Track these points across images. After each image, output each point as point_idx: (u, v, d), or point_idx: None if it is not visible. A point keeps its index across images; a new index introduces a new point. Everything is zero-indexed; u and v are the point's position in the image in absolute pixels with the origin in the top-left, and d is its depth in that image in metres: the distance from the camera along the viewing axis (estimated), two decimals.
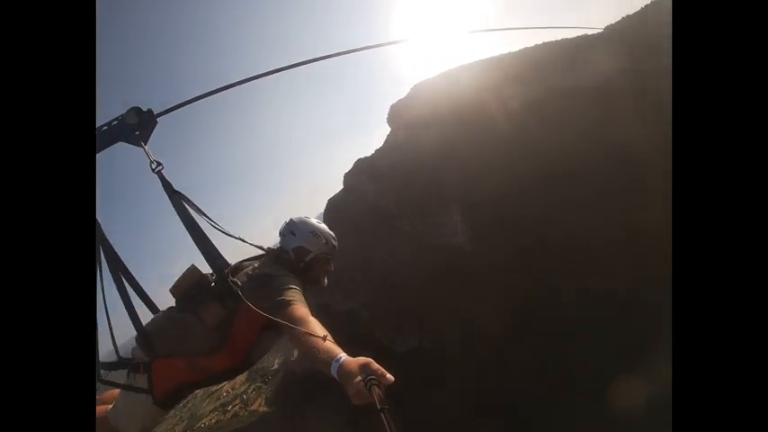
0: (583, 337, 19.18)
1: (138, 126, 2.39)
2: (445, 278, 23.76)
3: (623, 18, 25.01)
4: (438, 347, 23.68)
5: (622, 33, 23.05)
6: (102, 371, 2.32)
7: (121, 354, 2.39)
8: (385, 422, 1.32)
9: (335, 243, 2.80)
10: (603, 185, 20.52)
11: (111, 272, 2.31)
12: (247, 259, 2.76)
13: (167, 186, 2.40)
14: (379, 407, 1.38)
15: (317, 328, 1.93)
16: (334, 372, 1.64)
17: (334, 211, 36.48)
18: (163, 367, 2.24)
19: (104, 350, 2.42)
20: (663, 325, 14.39)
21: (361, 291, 29.98)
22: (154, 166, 2.35)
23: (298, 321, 1.99)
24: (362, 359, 1.61)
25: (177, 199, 2.37)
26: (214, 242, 2.48)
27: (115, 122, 2.41)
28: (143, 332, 2.31)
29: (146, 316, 2.49)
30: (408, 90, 32.90)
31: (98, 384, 2.31)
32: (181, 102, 2.47)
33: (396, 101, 33.62)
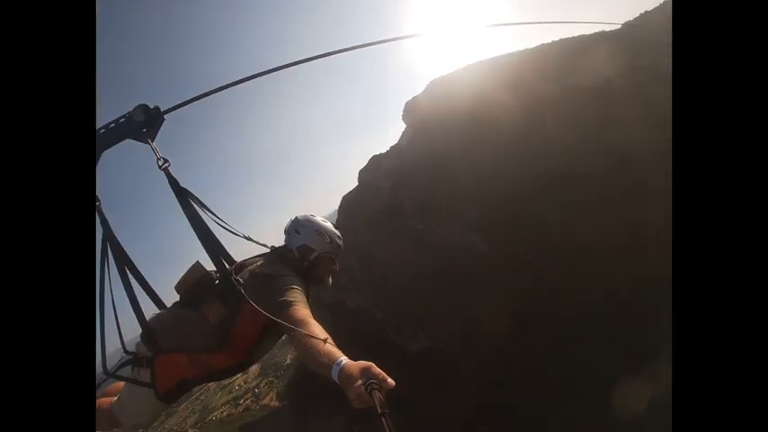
0: (584, 338, 19.15)
1: (146, 123, 2.39)
2: (459, 278, 23.67)
3: (642, 14, 24.58)
4: (451, 347, 23.61)
5: (641, 29, 22.64)
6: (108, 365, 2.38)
7: (128, 348, 2.41)
8: (386, 427, 1.30)
9: (340, 242, 2.76)
10: (611, 186, 20.36)
11: (117, 268, 2.33)
12: (252, 257, 2.74)
13: (174, 183, 2.41)
14: (379, 411, 1.36)
15: (317, 330, 1.92)
16: (334, 375, 1.63)
17: (349, 207, 36.56)
18: (165, 363, 2.29)
19: (113, 345, 2.50)
20: (663, 325, 14.66)
21: (373, 289, 30.00)
22: (161, 163, 2.36)
23: (299, 323, 1.98)
24: (363, 363, 1.59)
25: (183, 196, 2.40)
26: (221, 240, 2.50)
27: (123, 120, 2.42)
28: (147, 328, 2.35)
29: (153, 312, 2.54)
30: (424, 86, 32.83)
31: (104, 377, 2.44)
32: (189, 98, 2.49)
33: (411, 97, 33.58)
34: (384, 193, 31.44)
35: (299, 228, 2.68)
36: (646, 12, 24.85)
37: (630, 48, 22.12)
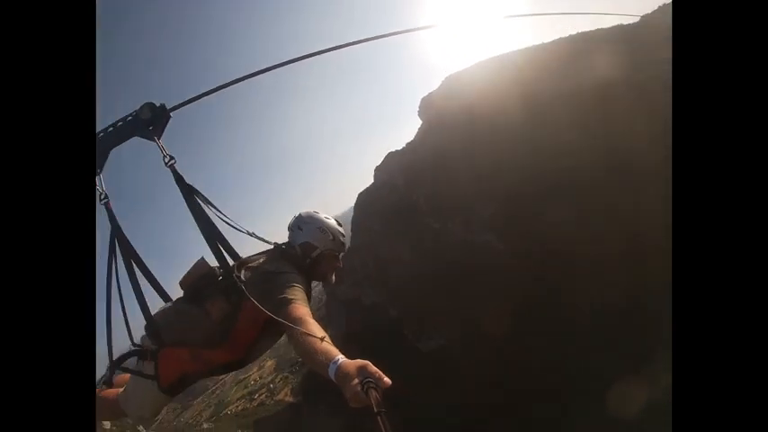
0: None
1: (152, 121, 2.45)
2: (474, 276, 23.56)
3: (660, 6, 23.98)
4: (464, 347, 23.55)
5: (660, 23, 22.06)
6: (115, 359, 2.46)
7: (136, 341, 2.48)
8: (381, 426, 1.30)
9: (343, 240, 2.76)
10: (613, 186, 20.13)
11: (124, 263, 2.38)
12: (255, 254, 2.75)
13: (180, 180, 2.44)
14: (376, 410, 1.37)
15: (315, 328, 1.94)
16: (331, 374, 1.63)
17: (364, 205, 36.71)
18: (168, 356, 2.32)
19: (122, 337, 2.53)
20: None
21: (389, 286, 30.07)
22: (167, 160, 2.40)
23: (297, 321, 2.00)
24: (360, 361, 1.59)
25: (189, 193, 2.42)
26: (230, 237, 2.52)
27: (130, 118, 2.48)
28: (151, 321, 2.38)
29: (160, 305, 2.58)
30: (440, 82, 32.65)
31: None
32: (194, 96, 2.53)
33: (427, 93, 33.42)
34: (399, 190, 31.44)
35: (301, 224, 2.68)
36: (664, 4, 24.22)
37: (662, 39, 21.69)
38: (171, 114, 2.48)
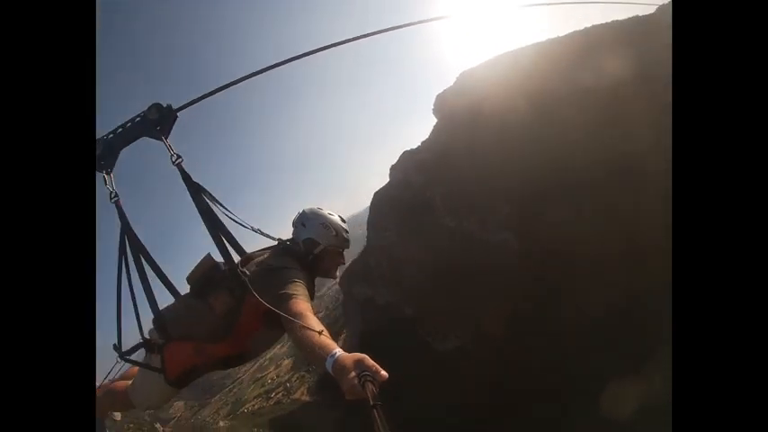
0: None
1: (159, 121, 2.54)
2: (489, 275, 23.42)
3: None
4: (480, 345, 23.45)
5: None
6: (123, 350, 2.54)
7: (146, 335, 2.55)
8: (377, 418, 1.32)
9: (347, 236, 2.78)
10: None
11: (134, 259, 2.48)
12: (260, 250, 2.82)
13: (186, 178, 2.52)
14: (371, 403, 1.39)
15: (314, 323, 1.99)
16: (328, 366, 1.66)
17: (380, 204, 36.77)
18: (174, 350, 2.39)
19: (132, 331, 2.59)
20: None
21: (404, 285, 30.09)
22: (174, 159, 2.49)
23: (297, 315, 2.03)
24: (357, 355, 1.63)
25: (195, 190, 2.52)
26: (239, 235, 2.62)
27: (138, 119, 2.58)
28: (159, 315, 2.47)
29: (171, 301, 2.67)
30: (454, 79, 32.50)
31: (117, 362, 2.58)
32: (200, 95, 2.60)
33: (442, 90, 33.30)
34: (415, 188, 31.38)
35: (305, 221, 2.71)
36: None
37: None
38: (177, 114, 2.56)
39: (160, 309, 2.47)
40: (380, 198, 37.25)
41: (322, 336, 1.85)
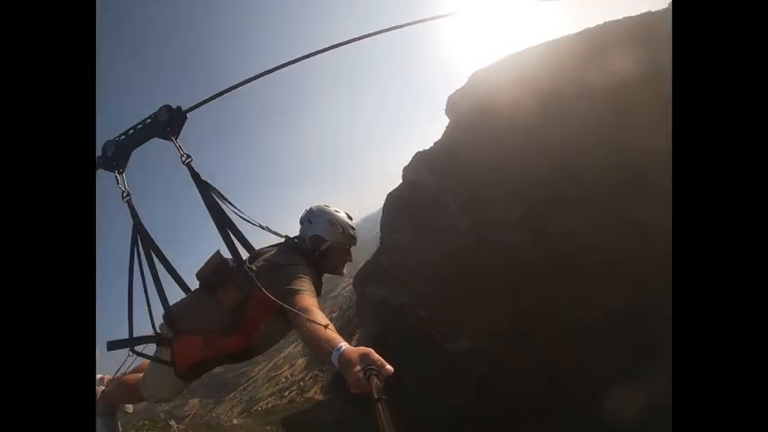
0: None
1: (169, 122, 2.57)
2: (502, 276, 23.28)
3: None
4: (496, 346, 23.33)
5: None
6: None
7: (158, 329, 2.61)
8: (381, 412, 1.31)
9: (353, 233, 2.80)
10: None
11: (145, 256, 2.52)
12: (267, 246, 2.83)
13: (196, 177, 2.55)
14: (376, 397, 1.39)
15: (320, 317, 2.01)
16: (334, 360, 1.68)
17: (393, 206, 36.66)
18: (183, 343, 2.45)
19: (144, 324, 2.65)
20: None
21: (417, 287, 29.96)
22: (184, 159, 2.51)
23: (303, 310, 2.06)
24: (363, 349, 1.63)
25: (205, 189, 2.53)
26: (248, 233, 2.64)
27: (149, 120, 2.61)
28: (168, 310, 2.52)
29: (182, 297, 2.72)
30: (466, 79, 32.23)
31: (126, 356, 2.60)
32: (209, 96, 2.62)
33: (453, 91, 33.05)
34: (427, 190, 31.25)
35: (311, 218, 2.74)
36: None
37: None
38: (187, 116, 2.58)
39: (171, 304, 2.52)
40: (393, 199, 37.16)
41: (328, 329, 1.88)
